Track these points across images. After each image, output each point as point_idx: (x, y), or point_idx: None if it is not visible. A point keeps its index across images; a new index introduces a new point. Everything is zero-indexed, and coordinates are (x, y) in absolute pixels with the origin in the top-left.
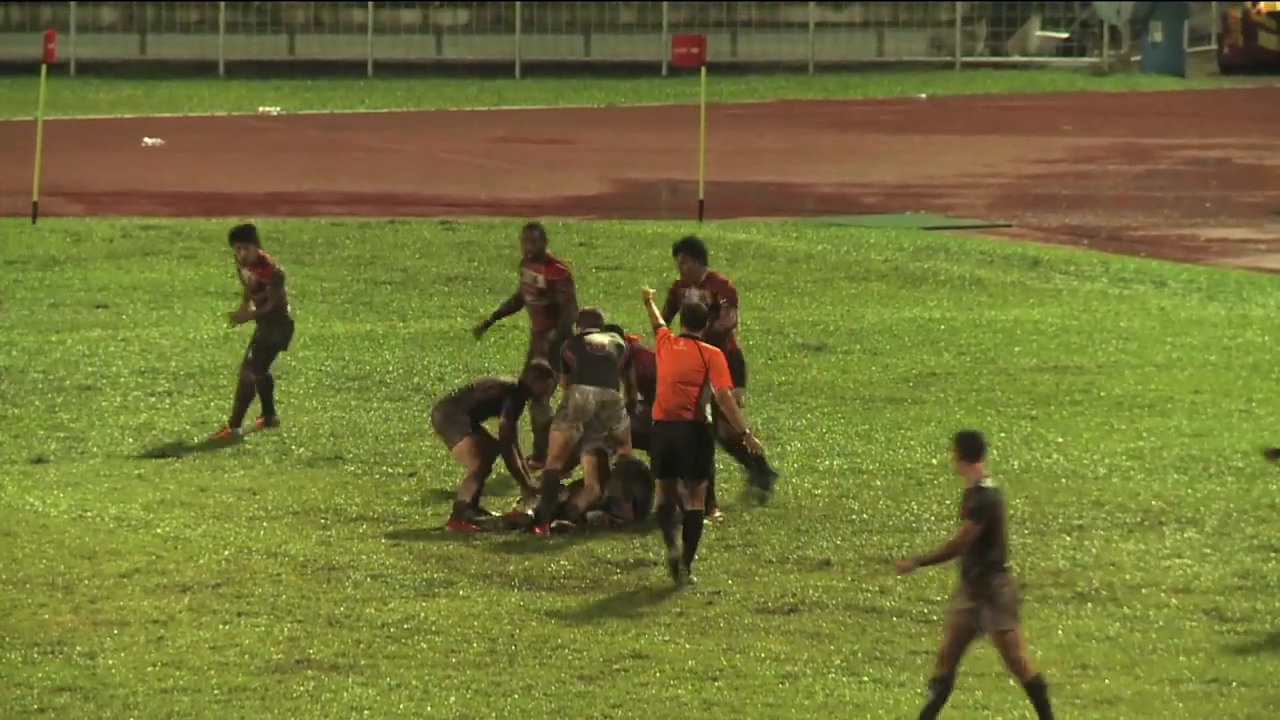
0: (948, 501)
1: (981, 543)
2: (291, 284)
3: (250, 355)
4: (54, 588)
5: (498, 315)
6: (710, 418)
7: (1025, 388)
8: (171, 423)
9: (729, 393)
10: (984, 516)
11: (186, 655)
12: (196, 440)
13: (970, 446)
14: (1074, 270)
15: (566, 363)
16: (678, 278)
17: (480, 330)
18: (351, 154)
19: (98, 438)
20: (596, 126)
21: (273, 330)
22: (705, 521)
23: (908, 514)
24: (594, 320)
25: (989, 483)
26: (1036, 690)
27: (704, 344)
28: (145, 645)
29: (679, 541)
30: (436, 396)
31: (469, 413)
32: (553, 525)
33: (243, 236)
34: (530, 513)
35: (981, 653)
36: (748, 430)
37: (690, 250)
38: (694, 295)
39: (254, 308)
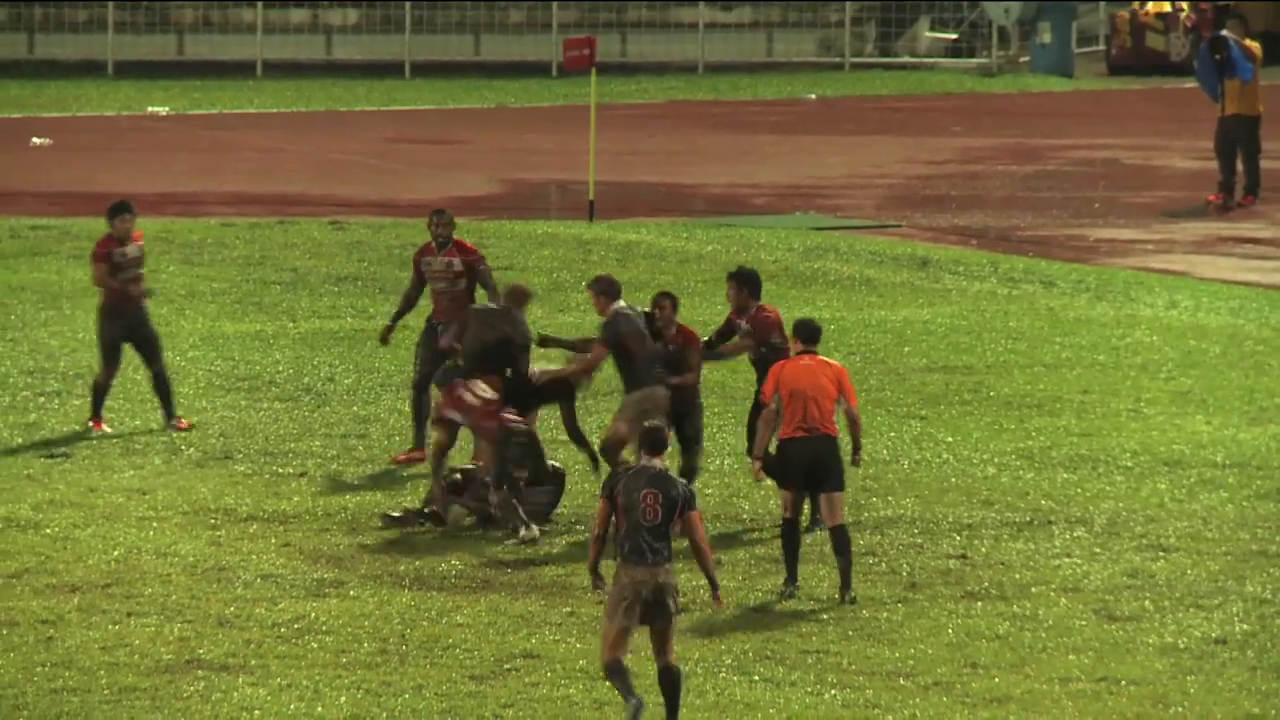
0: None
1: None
2: (181, 284)
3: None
4: None
5: (399, 316)
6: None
7: (915, 387)
8: (60, 423)
9: (857, 412)
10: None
11: (76, 655)
12: (85, 440)
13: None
14: (963, 270)
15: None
16: (559, 277)
17: (386, 334)
18: (241, 154)
19: None
20: (487, 127)
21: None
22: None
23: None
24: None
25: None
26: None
27: (828, 359)
28: (34, 645)
29: (797, 563)
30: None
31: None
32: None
33: (125, 209)
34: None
35: (874, 651)
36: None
37: (737, 280)
38: (744, 325)
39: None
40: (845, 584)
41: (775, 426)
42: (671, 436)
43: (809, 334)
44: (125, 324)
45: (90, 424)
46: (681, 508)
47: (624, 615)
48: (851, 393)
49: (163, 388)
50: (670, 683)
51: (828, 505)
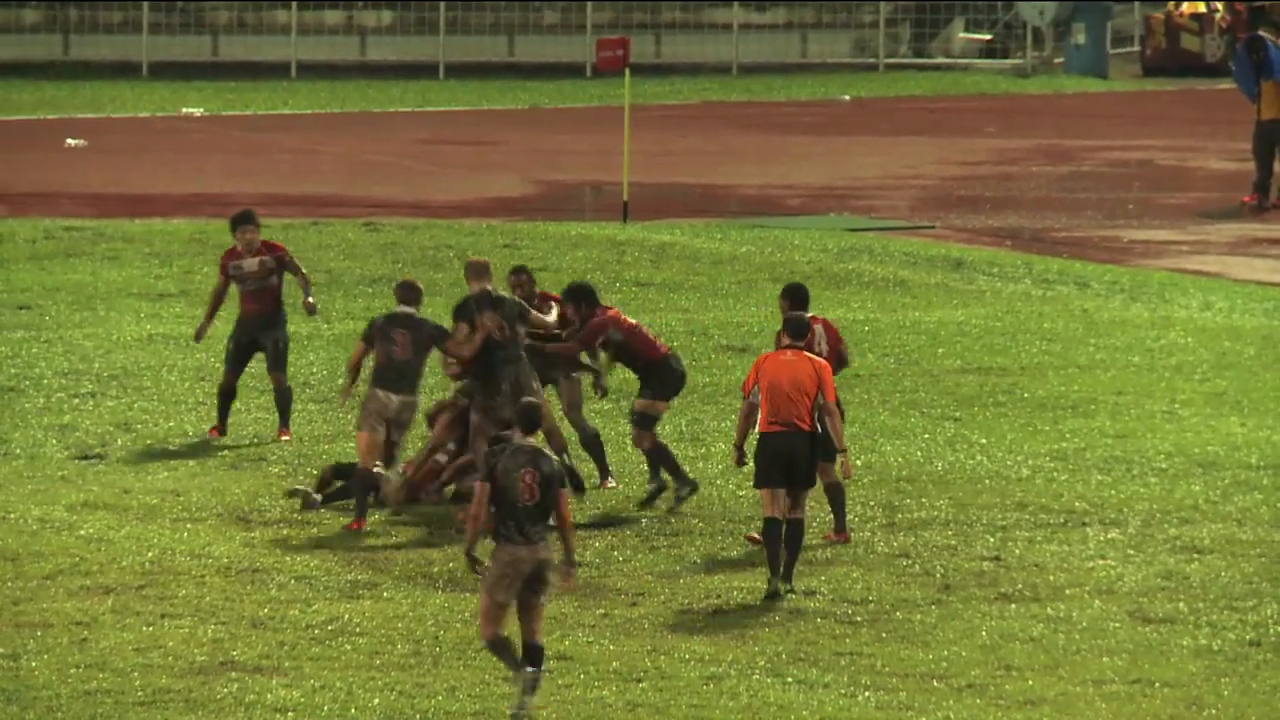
0: (871, 503)
1: None
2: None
3: (275, 359)
4: None
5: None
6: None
7: (949, 389)
8: (95, 424)
9: (835, 407)
10: None
11: (110, 657)
12: (119, 441)
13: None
14: (997, 272)
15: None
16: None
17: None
18: (275, 155)
19: (21, 439)
20: (521, 128)
21: (281, 327)
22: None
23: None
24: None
25: None
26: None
27: (812, 354)
28: (69, 647)
29: (782, 560)
30: None
31: None
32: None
33: (248, 219)
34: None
35: (907, 653)
36: (845, 448)
37: (788, 296)
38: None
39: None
40: (785, 575)
41: (753, 420)
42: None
43: (795, 329)
44: (246, 332)
45: (209, 431)
46: (556, 484)
47: (503, 591)
48: (830, 389)
49: (282, 399)
50: (534, 661)
51: (800, 500)
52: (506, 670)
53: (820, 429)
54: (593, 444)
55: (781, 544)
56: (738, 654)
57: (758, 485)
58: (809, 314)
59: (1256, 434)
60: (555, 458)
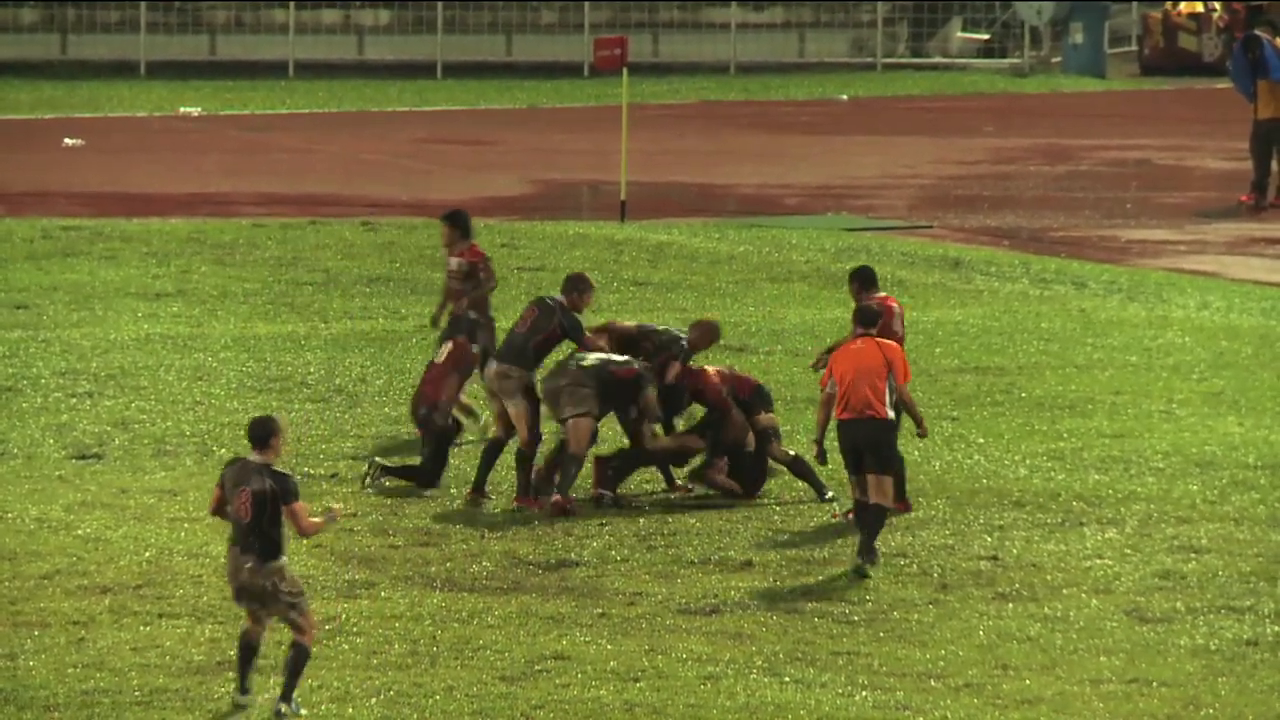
0: None
1: None
2: (213, 285)
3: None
4: None
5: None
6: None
7: (946, 388)
8: (92, 424)
9: (905, 389)
10: None
11: (107, 657)
12: (117, 441)
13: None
14: (995, 271)
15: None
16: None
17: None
18: (273, 154)
19: (18, 439)
20: (518, 127)
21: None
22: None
23: (829, 515)
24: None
25: None
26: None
27: (882, 340)
28: (66, 647)
29: (871, 539)
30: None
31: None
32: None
33: (447, 219)
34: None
35: (905, 652)
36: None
37: (858, 280)
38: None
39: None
40: (861, 553)
41: (830, 411)
42: None
43: (863, 318)
44: (450, 328)
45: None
46: (276, 501)
47: (235, 596)
48: (901, 372)
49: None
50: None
51: (874, 485)
52: (505, 670)
53: (895, 415)
54: (798, 466)
55: (859, 524)
56: (735, 653)
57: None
58: (880, 294)
59: (1254, 433)
60: (283, 474)
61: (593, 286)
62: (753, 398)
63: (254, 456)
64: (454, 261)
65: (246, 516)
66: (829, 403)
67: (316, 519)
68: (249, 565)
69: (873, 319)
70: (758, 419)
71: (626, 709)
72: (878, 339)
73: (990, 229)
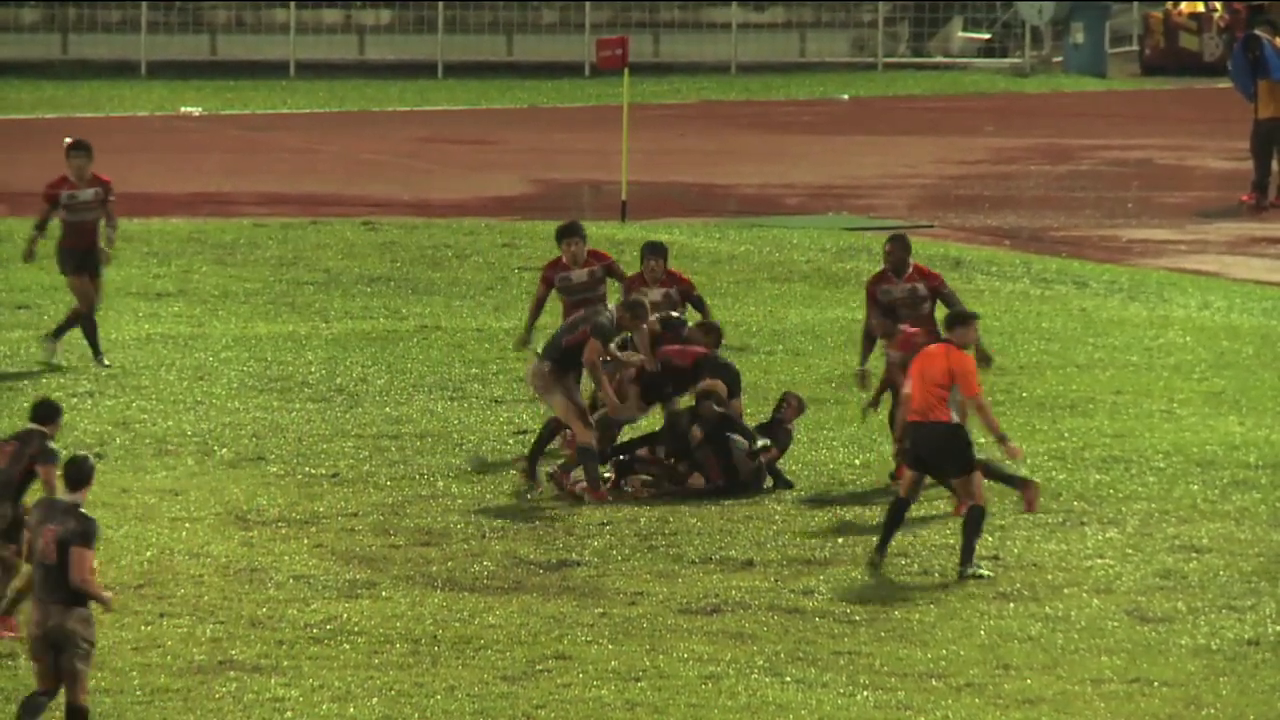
0: (872, 503)
1: None
2: (214, 284)
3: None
4: None
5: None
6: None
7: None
8: (93, 423)
9: (980, 400)
10: None
11: (108, 656)
12: (118, 440)
13: None
14: (996, 271)
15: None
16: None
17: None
18: (274, 154)
19: None
20: (519, 127)
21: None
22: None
23: (830, 515)
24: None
25: None
26: None
27: (953, 349)
28: None
29: (889, 536)
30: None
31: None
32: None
33: (573, 232)
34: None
35: (906, 652)
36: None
37: (896, 241)
38: (902, 288)
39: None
40: (962, 558)
41: (905, 410)
42: None
43: (946, 322)
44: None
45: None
46: (67, 544)
47: (33, 650)
48: (965, 384)
49: None
50: None
51: (960, 488)
52: (506, 670)
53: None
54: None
55: (895, 520)
56: (736, 653)
57: (907, 465)
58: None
59: (1255, 433)
60: (84, 516)
61: (649, 315)
62: (697, 367)
63: (65, 497)
64: (583, 273)
65: (53, 559)
66: (905, 402)
67: (97, 580)
68: (56, 608)
69: (951, 324)
70: (703, 383)
71: (628, 709)
72: (948, 346)
73: (991, 229)
